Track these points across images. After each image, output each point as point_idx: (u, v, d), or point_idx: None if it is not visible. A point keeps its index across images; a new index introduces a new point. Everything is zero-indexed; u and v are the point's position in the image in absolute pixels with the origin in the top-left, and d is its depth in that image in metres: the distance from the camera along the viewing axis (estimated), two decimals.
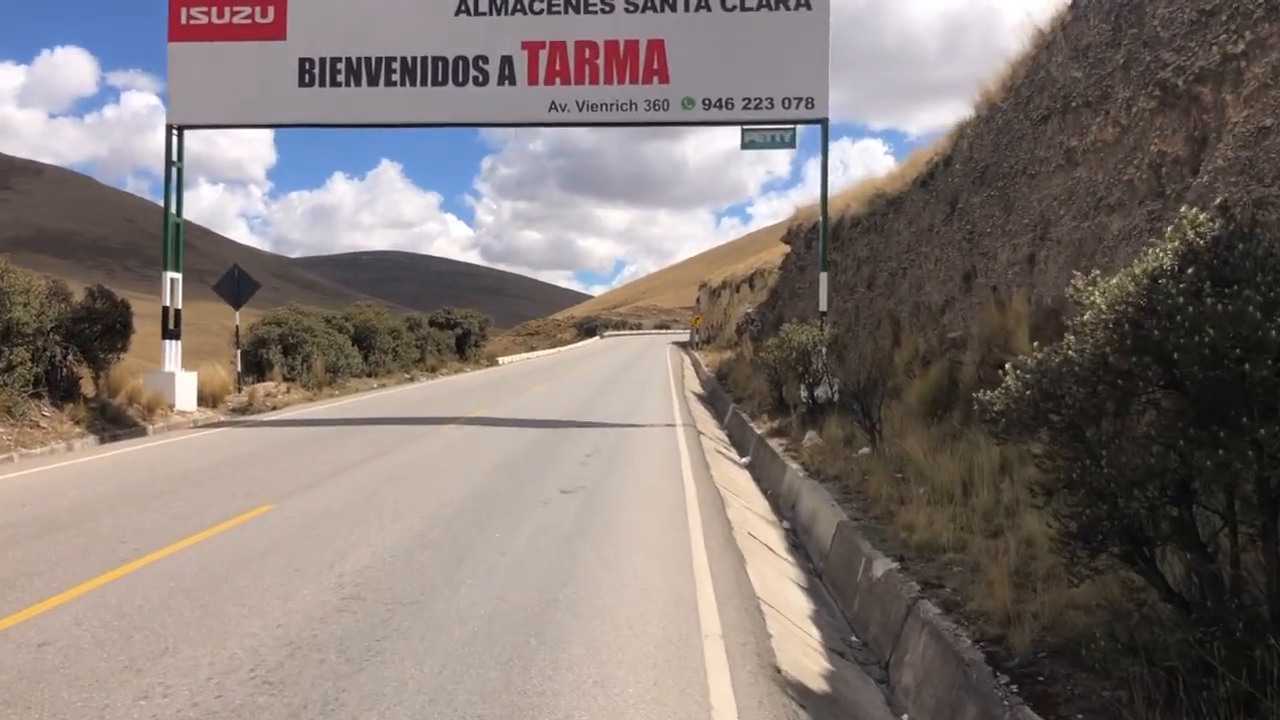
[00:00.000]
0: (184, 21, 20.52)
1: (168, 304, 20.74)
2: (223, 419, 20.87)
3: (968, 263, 13.73)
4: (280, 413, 21.63)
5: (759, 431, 17.90)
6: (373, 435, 16.13)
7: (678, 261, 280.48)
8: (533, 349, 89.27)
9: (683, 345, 73.64)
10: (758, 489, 13.77)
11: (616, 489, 10.85)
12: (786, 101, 19.85)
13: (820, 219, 20.68)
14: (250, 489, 10.52)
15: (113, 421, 17.25)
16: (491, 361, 47.08)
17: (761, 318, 37.46)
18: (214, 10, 20.49)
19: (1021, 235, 11.83)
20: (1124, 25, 9.53)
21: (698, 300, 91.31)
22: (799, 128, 20.35)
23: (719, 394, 28.70)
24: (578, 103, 20.08)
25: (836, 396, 18.15)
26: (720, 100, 19.93)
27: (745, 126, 20.25)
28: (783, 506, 12.20)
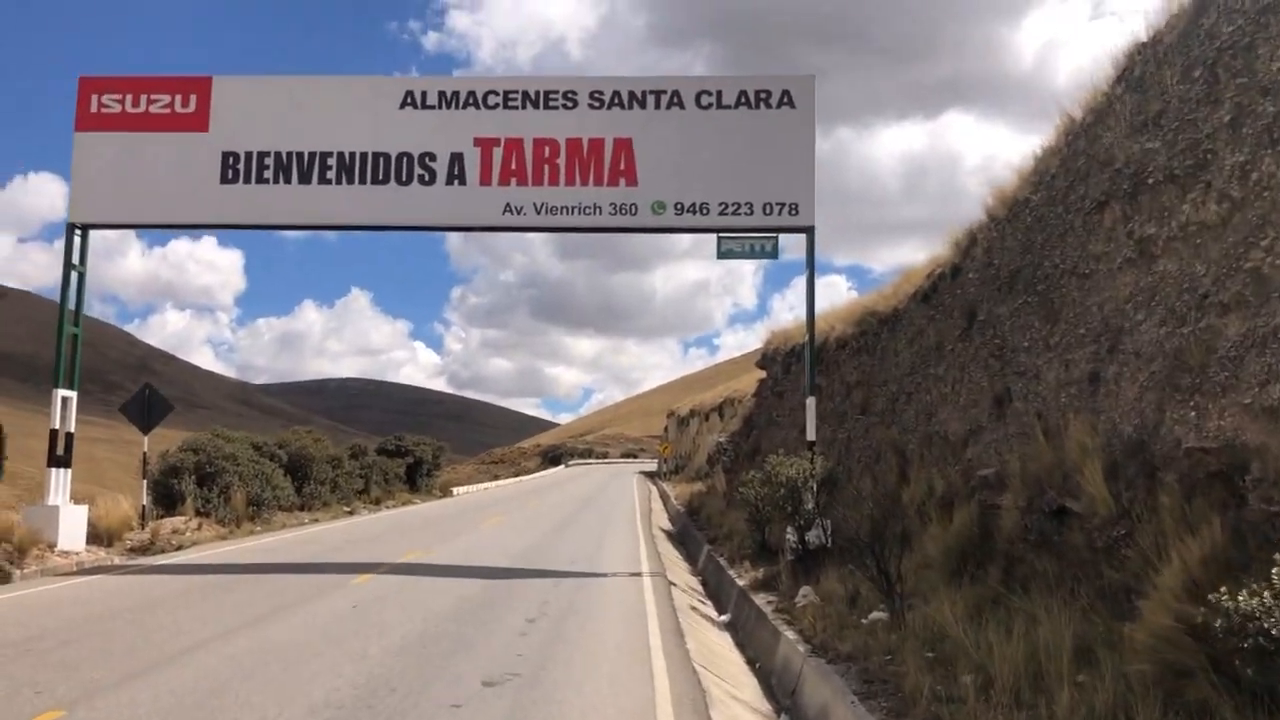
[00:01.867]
0: (94, 110, 18.29)
1: (56, 426, 17.88)
2: (115, 561, 17.81)
3: (998, 385, 11.34)
4: (180, 554, 18.56)
5: (740, 583, 15.14)
6: (269, 588, 13.19)
7: (645, 390, 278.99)
8: (496, 477, 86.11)
9: (650, 475, 70.90)
10: (742, 660, 11.01)
11: (561, 679, 8.03)
12: (768, 207, 17.77)
13: (805, 339, 18.39)
14: (52, 679, 7.61)
15: None
16: (445, 492, 43.96)
17: (735, 447, 34.89)
18: (129, 98, 18.30)
19: (1077, 349, 9.46)
20: (1225, 75, 7.36)
21: (665, 429, 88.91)
22: (781, 236, 18.22)
23: (690, 532, 25.87)
24: (535, 205, 17.89)
25: (830, 542, 15.56)
26: (694, 205, 17.82)
27: (722, 234, 18.09)
28: (778, 690, 9.42)
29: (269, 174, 18.06)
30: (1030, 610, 8.43)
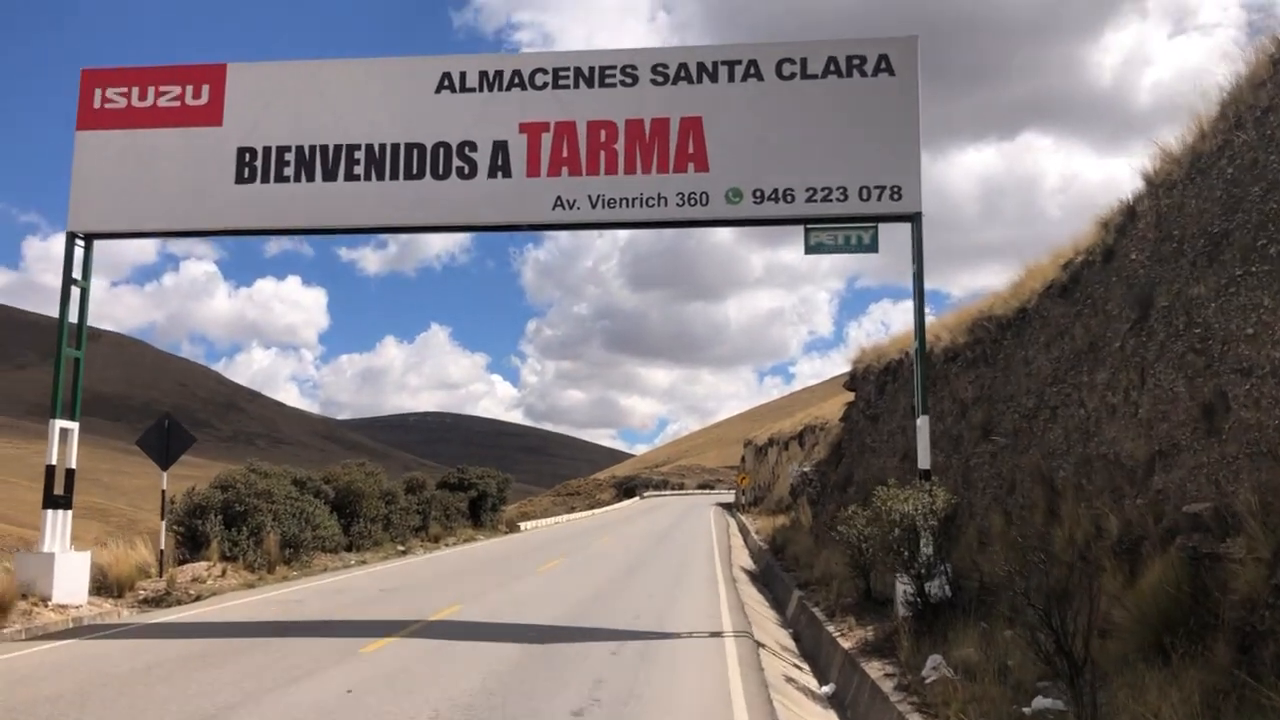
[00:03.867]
0: (97, 105, 16.28)
1: (53, 461, 15.75)
2: (122, 615, 15.67)
3: (1205, 389, 8.34)
4: (193, 608, 16.27)
5: (845, 644, 12.26)
6: (260, 660, 10.65)
7: (721, 419, 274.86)
8: (573, 509, 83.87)
9: (728, 507, 67.97)
10: None
11: None
12: (865, 191, 14.96)
13: (913, 348, 15.43)
14: None
15: None
16: (512, 527, 41.47)
17: (821, 478, 31.77)
18: (135, 91, 16.26)
19: None
20: None
21: (743, 459, 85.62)
22: (881, 225, 15.37)
23: (775, 573, 22.94)
24: (590, 198, 15.33)
25: (949, 592, 12.66)
26: (776, 192, 15.09)
27: (810, 224, 15.30)
28: None
29: (289, 171, 15.82)
30: None
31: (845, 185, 14.99)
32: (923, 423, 14.63)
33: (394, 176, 15.68)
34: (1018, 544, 12.41)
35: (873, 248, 15.39)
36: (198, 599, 17.20)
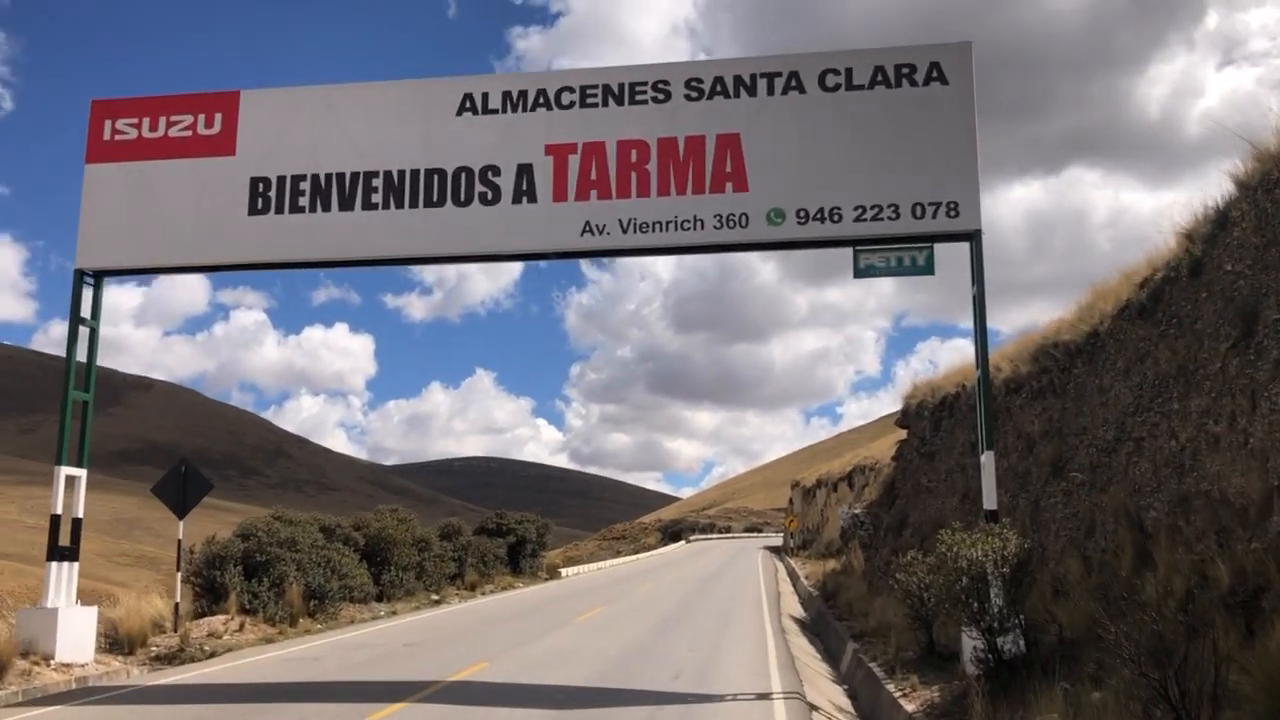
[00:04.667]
0: (107, 137, 15.64)
1: (58, 510, 14.90)
2: (132, 673, 14.81)
3: None
4: (206, 665, 15.29)
5: (908, 707, 10.96)
6: None
7: (767, 461, 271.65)
8: (619, 553, 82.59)
9: (776, 550, 66.14)
10: None
11: None
12: (918, 209, 13.81)
13: (976, 377, 14.16)
14: None
15: None
16: (552, 574, 40.24)
17: (874, 519, 30.29)
18: (146, 122, 15.59)
19: None
20: None
21: (790, 501, 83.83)
22: (937, 245, 14.19)
23: (827, 622, 21.50)
24: (621, 222, 14.33)
25: (1023, 647, 11.33)
26: (822, 211, 13.99)
27: (859, 246, 14.16)
28: None
29: (304, 201, 15.02)
30: None
31: (897, 203, 13.86)
32: (988, 459, 13.33)
33: (413, 205, 14.81)
34: (1101, 593, 11.08)
35: (928, 269, 14.21)
36: (212, 655, 16.22)
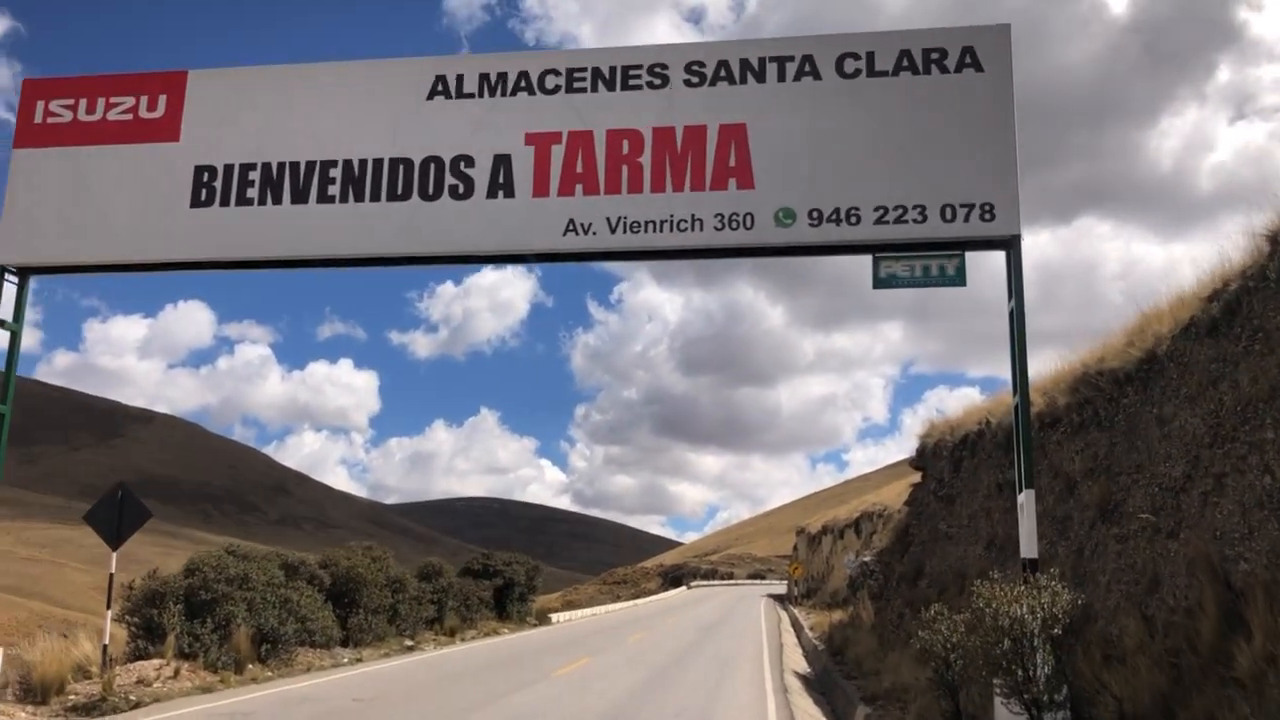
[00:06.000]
0: (39, 120, 14.00)
1: None
2: None
3: None
4: (132, 716, 13.34)
5: None
6: None
7: (772, 507, 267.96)
8: (617, 598, 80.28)
9: (779, 599, 63.95)
10: None
11: None
12: (948, 211, 12.05)
13: (1013, 403, 12.29)
14: None
15: None
16: (541, 619, 38.05)
17: (885, 568, 28.20)
18: (83, 104, 13.95)
19: None
20: None
21: (795, 548, 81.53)
22: (968, 253, 12.39)
23: (834, 680, 19.44)
24: (610, 220, 12.59)
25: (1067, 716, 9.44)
26: (837, 212, 12.23)
27: (880, 252, 12.37)
28: None
29: (253, 192, 13.30)
30: None
31: (923, 203, 12.10)
32: (1027, 498, 11.45)
33: (375, 198, 13.09)
34: (1170, 661, 9.17)
35: (958, 280, 12.39)
36: (136, 706, 14.25)
